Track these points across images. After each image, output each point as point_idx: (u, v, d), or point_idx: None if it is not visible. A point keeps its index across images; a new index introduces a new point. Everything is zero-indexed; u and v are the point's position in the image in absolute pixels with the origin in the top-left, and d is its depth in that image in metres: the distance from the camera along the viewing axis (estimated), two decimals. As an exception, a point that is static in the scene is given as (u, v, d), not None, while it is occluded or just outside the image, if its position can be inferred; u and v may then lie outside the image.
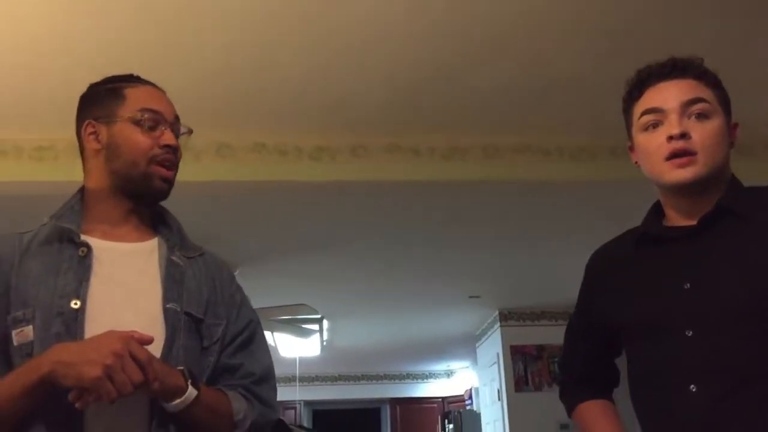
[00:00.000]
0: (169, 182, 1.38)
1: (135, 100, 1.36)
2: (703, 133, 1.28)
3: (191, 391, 1.20)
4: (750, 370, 1.20)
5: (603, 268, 1.48)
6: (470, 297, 6.34)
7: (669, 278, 1.31)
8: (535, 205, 4.14)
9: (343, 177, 3.49)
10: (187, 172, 3.45)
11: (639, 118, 1.35)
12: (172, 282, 1.32)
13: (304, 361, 8.59)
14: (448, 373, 10.27)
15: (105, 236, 1.33)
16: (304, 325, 6.08)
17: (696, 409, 1.22)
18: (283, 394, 9.58)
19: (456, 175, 3.52)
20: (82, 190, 1.39)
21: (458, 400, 9.61)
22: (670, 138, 1.28)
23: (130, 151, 1.33)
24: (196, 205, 4.00)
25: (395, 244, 4.83)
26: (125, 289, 1.29)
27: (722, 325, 1.23)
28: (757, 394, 1.19)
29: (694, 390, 1.22)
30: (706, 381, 1.22)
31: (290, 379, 9.54)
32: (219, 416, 1.28)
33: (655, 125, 1.32)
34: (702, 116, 1.29)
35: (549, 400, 6.47)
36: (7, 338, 1.21)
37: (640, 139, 1.35)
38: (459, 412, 8.27)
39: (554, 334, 6.77)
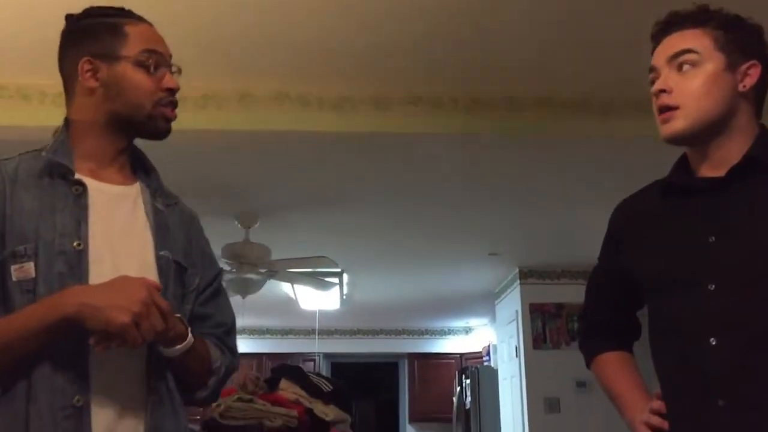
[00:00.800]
0: (171, 123, 1.37)
1: (136, 39, 1.32)
2: (684, 85, 1.28)
3: (190, 338, 1.24)
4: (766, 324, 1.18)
5: (627, 219, 1.47)
6: (490, 254, 6.33)
7: (694, 230, 1.29)
8: (557, 161, 4.09)
9: (366, 128, 3.47)
10: (208, 121, 3.49)
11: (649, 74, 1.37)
12: (161, 229, 1.32)
13: (323, 314, 8.70)
14: (467, 330, 10.34)
15: (93, 175, 1.31)
16: (324, 278, 6.13)
17: (715, 362, 1.21)
18: (303, 345, 9.79)
19: (477, 128, 3.47)
20: (67, 124, 1.34)
21: (476, 356, 9.69)
22: (653, 95, 1.31)
23: (136, 94, 1.31)
24: (217, 154, 4.03)
25: (417, 199, 4.82)
26: (120, 233, 1.29)
27: (745, 280, 1.21)
28: None
29: (714, 343, 1.21)
30: (727, 334, 1.21)
31: (310, 332, 9.70)
32: (202, 363, 1.32)
33: (653, 82, 1.33)
34: (687, 66, 1.28)
35: (567, 358, 6.55)
36: (3, 272, 1.18)
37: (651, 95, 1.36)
38: (476, 368, 8.34)
39: (574, 293, 6.74)
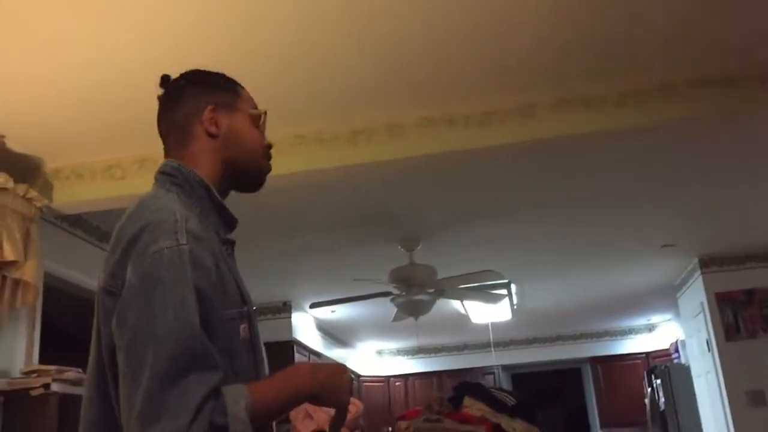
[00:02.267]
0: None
1: (246, 97, 1.43)
2: None
3: None
4: None
5: None
6: (663, 246, 6.02)
7: None
8: (731, 142, 3.86)
9: (514, 140, 3.45)
10: (363, 155, 3.62)
11: None
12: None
13: (496, 327, 8.65)
14: (650, 328, 9.84)
15: None
16: (492, 291, 6.11)
17: None
18: (480, 360, 9.81)
19: (626, 123, 3.35)
20: (198, 179, 1.32)
21: (663, 354, 9.19)
22: None
23: (252, 145, 1.38)
24: (372, 185, 4.18)
25: (578, 199, 4.72)
26: None
27: None
28: None
29: None
30: None
31: (485, 345, 9.66)
32: None
33: None
34: None
35: (766, 346, 6.05)
36: (229, 330, 1.20)
37: None
38: (666, 367, 7.91)
39: (764, 277, 6.28)
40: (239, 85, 1.43)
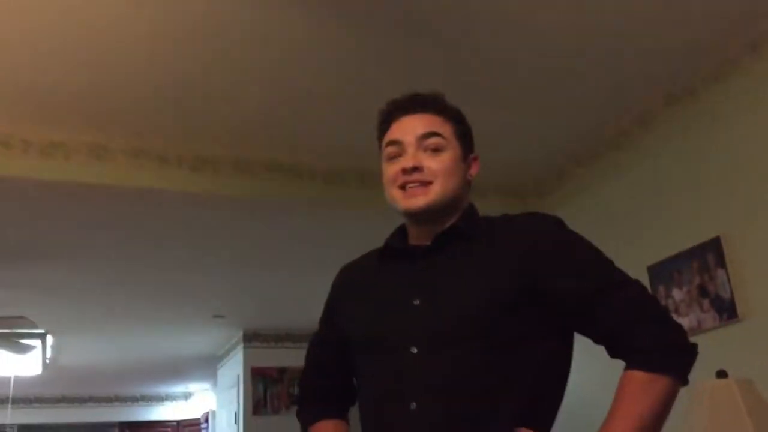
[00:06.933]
0: None
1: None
2: (436, 164, 1.35)
3: None
4: (468, 387, 1.22)
5: (346, 282, 1.49)
6: (215, 316, 6.14)
7: (401, 294, 1.33)
8: (282, 225, 4.09)
9: (78, 178, 3.17)
10: None
11: (384, 148, 1.41)
12: None
13: (21, 381, 7.71)
14: (186, 396, 9.86)
15: None
16: (22, 340, 5.44)
17: (415, 428, 1.22)
18: (-9, 415, 8.32)
19: (200, 186, 3.36)
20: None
21: (194, 423, 9.26)
22: (404, 170, 1.35)
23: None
24: None
25: (134, 257, 4.50)
26: None
27: (445, 342, 1.24)
28: (473, 411, 1.21)
29: (414, 408, 1.23)
30: (427, 399, 1.22)
31: (2, 401, 8.51)
32: None
33: (397, 156, 1.38)
34: (436, 150, 1.36)
35: (287, 424, 6.44)
36: None
37: (384, 167, 1.40)
38: (194, 437, 7.95)
39: (296, 357, 6.77)
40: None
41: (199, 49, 2.71)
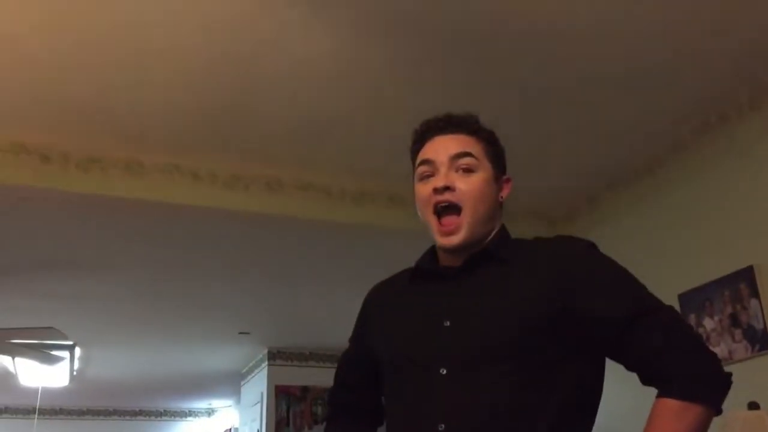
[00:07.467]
0: None
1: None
2: (466, 186, 1.34)
3: None
4: (497, 409, 1.21)
5: (377, 301, 1.49)
6: (240, 333, 6.16)
7: (432, 315, 1.32)
8: (312, 243, 4.11)
9: (113, 192, 3.23)
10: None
11: (417, 167, 1.40)
12: None
13: (47, 392, 7.78)
14: (209, 412, 9.86)
15: None
16: (51, 351, 5.50)
17: None
18: (18, 428, 8.52)
19: (232, 203, 3.40)
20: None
21: (217, 439, 9.25)
22: (435, 190, 1.34)
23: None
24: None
25: (164, 272, 4.55)
26: None
27: (475, 364, 1.24)
28: None
29: (442, 429, 1.22)
30: (456, 420, 1.22)
31: (29, 412, 8.58)
32: None
33: (429, 176, 1.37)
34: (468, 170, 1.36)
35: (310, 442, 6.46)
36: None
37: (417, 188, 1.40)
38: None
39: (320, 376, 6.79)
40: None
41: (237, 71, 2.76)
